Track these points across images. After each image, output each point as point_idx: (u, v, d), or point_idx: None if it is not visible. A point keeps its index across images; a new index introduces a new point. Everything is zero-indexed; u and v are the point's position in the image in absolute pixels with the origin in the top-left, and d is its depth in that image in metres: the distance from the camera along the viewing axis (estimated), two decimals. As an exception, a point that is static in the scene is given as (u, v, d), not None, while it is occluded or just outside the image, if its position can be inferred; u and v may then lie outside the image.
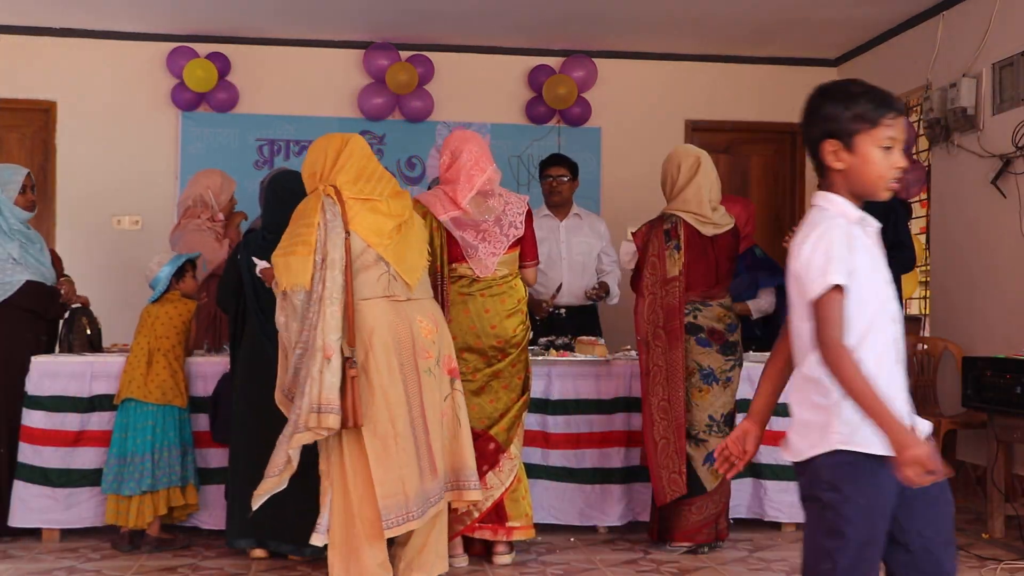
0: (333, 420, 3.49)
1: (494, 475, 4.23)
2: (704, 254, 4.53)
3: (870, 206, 5.37)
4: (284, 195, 4.43)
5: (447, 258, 4.25)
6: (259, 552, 4.35)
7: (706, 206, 4.53)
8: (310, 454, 4.33)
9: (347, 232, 3.61)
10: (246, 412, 4.34)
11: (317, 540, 3.64)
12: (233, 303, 4.43)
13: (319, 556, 4.34)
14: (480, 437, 4.22)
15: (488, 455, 4.23)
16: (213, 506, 4.66)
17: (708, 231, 4.52)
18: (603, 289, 5.59)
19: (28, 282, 4.71)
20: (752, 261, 5.60)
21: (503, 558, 4.30)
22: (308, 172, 3.79)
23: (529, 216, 4.37)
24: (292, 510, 4.27)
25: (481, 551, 4.37)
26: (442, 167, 4.36)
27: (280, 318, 3.60)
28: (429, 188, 5.65)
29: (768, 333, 5.66)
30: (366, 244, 3.64)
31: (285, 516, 4.27)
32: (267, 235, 4.40)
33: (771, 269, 5.63)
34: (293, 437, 3.52)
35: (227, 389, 4.53)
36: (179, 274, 4.70)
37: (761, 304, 5.52)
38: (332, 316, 3.51)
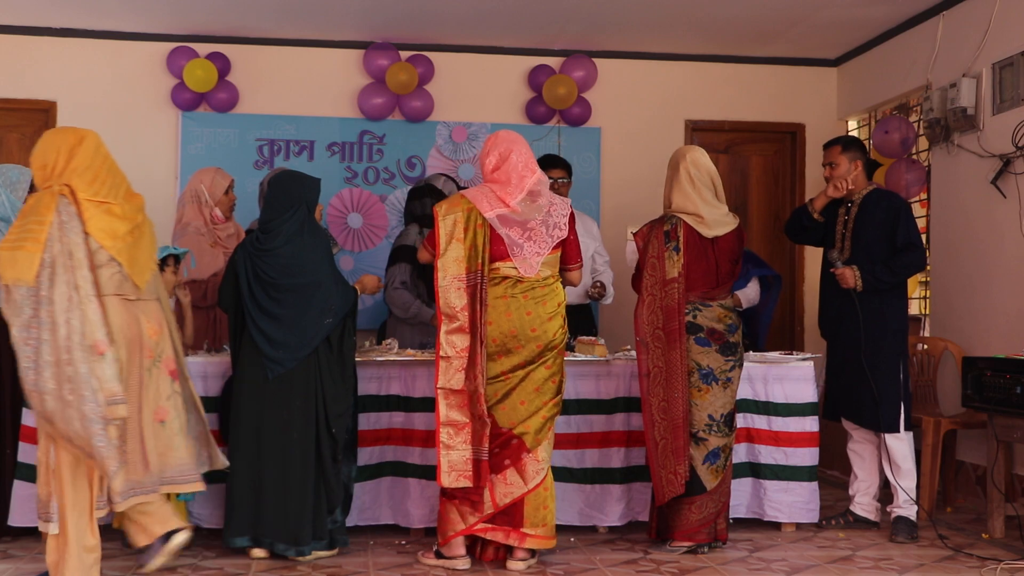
0: (123, 410, 3.63)
1: (515, 473, 4.19)
2: (704, 255, 4.54)
3: (878, 208, 5.33)
4: (281, 196, 4.44)
5: (488, 256, 4.20)
6: (259, 552, 4.36)
7: (699, 206, 4.53)
8: (308, 456, 4.33)
9: (85, 233, 3.67)
10: (247, 410, 4.35)
11: (48, 528, 3.70)
12: (233, 303, 4.44)
13: (320, 557, 4.36)
14: (503, 434, 4.20)
15: (511, 450, 4.19)
16: (213, 505, 4.65)
17: (707, 232, 4.53)
18: (602, 288, 5.60)
19: None
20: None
21: (517, 564, 4.23)
22: (39, 165, 3.80)
23: (572, 219, 4.35)
24: (292, 510, 4.28)
25: (488, 556, 4.34)
26: (488, 167, 4.30)
27: (6, 311, 3.60)
28: (422, 183, 5.66)
29: (749, 330, 5.67)
30: (100, 246, 3.72)
31: (285, 516, 4.28)
32: (261, 235, 4.41)
33: (755, 261, 5.67)
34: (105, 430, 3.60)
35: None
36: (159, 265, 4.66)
37: (749, 293, 5.57)
38: (94, 313, 3.61)
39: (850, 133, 7.48)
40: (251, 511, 4.33)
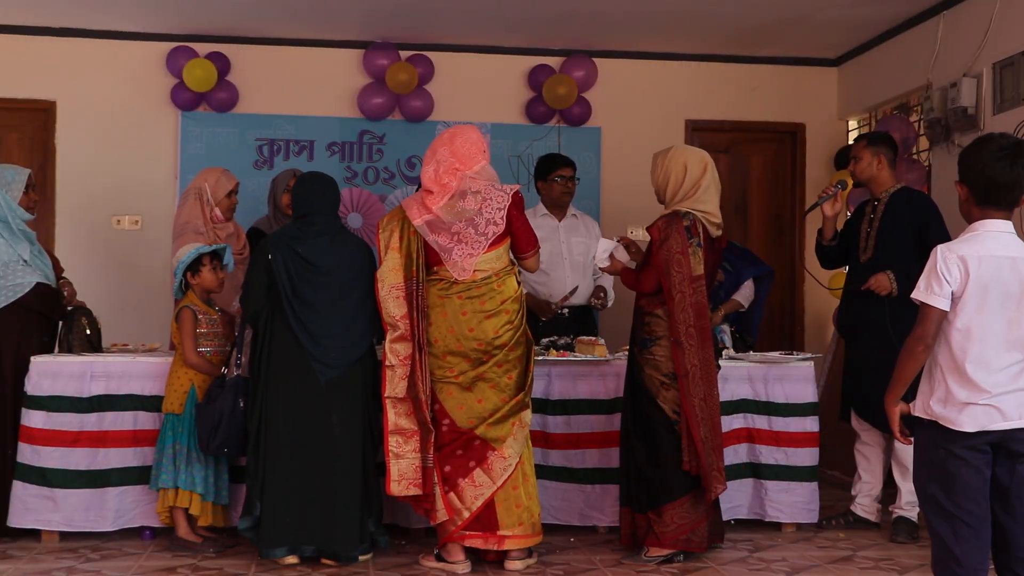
0: None
1: (483, 473, 4.17)
2: (710, 255, 4.46)
3: (904, 207, 5.18)
4: (316, 185, 4.42)
5: (424, 261, 4.21)
6: (291, 559, 4.26)
7: (717, 208, 4.47)
8: (351, 459, 4.24)
9: None
10: (280, 414, 4.26)
11: None
12: (265, 304, 4.30)
13: (359, 562, 4.29)
14: (465, 434, 4.20)
15: (474, 451, 4.18)
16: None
17: (714, 232, 4.47)
18: (605, 297, 5.59)
19: (39, 284, 4.72)
20: (738, 252, 5.65)
21: (515, 563, 4.22)
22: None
23: (515, 207, 4.26)
24: (340, 518, 4.23)
25: (491, 556, 4.30)
26: (422, 175, 4.32)
27: None
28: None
29: (743, 326, 5.65)
30: None
31: (333, 524, 4.22)
32: (301, 225, 4.35)
33: (750, 260, 5.64)
34: None
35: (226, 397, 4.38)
36: (194, 267, 4.60)
37: (745, 292, 5.57)
38: None
39: (850, 133, 7.48)
40: (292, 520, 4.23)
